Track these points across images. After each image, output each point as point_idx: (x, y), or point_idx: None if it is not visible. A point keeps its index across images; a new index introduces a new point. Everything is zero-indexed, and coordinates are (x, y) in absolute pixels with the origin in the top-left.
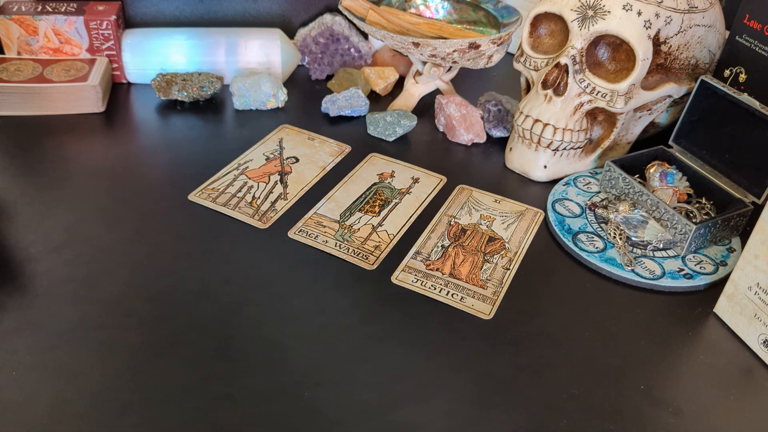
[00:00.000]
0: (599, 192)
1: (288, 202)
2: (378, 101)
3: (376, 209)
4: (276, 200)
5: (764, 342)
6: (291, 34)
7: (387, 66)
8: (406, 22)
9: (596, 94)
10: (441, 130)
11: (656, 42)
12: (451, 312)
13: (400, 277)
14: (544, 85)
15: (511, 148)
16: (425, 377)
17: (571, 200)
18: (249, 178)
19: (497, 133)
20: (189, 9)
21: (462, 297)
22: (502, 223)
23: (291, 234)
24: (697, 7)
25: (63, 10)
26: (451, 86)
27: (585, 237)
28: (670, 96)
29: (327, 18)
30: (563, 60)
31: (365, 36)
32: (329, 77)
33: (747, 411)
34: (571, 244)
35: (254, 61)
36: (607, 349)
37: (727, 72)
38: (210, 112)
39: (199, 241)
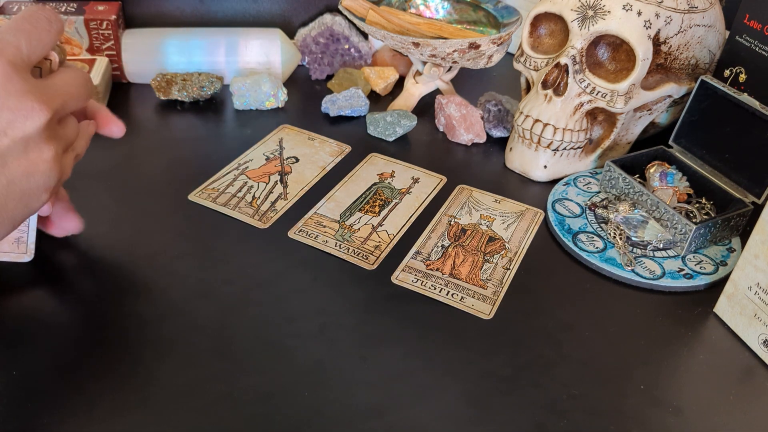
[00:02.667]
0: (599, 192)
1: (288, 202)
2: (378, 101)
3: (376, 209)
4: (276, 200)
5: (764, 342)
6: (291, 34)
7: (387, 66)
8: (406, 22)
9: (596, 94)
10: (441, 130)
11: (656, 42)
12: (451, 312)
13: (400, 277)
14: (544, 85)
15: (511, 148)
16: (425, 377)
17: (571, 200)
18: (249, 178)
19: (497, 133)
20: (189, 9)
21: (462, 297)
22: (502, 223)
23: (291, 234)
24: (697, 7)
25: (63, 10)
26: (451, 86)
27: (585, 237)
28: (670, 96)
29: (327, 18)
30: (563, 60)
31: (365, 36)
32: (329, 77)
33: (747, 411)
34: (571, 244)
35: (254, 61)
36: (607, 349)
37: (727, 72)
38: (210, 112)
39: (199, 241)
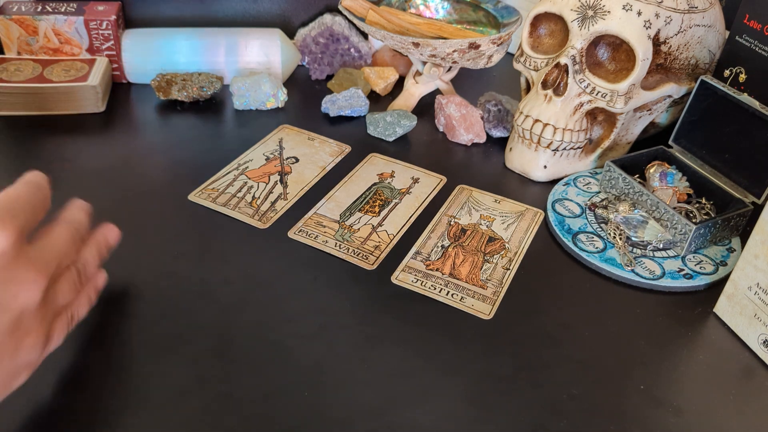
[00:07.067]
0: (599, 192)
1: (288, 202)
2: (378, 101)
3: (376, 209)
4: (276, 200)
5: (764, 342)
6: (291, 34)
7: (387, 66)
8: (406, 22)
9: (596, 94)
10: (441, 130)
11: (656, 42)
12: (451, 312)
13: (400, 277)
14: (544, 85)
15: (511, 148)
16: (425, 377)
17: (571, 200)
18: (249, 178)
19: (497, 133)
20: (189, 9)
21: (462, 297)
22: (502, 223)
23: (291, 234)
24: (697, 7)
25: (63, 10)
26: (451, 86)
27: (585, 237)
28: (670, 96)
29: (327, 18)
30: (563, 60)
31: (365, 36)
32: (329, 77)
33: (747, 411)
34: (571, 244)
35: (254, 61)
36: (607, 349)
37: (727, 72)
38: (210, 112)
39: (199, 241)
